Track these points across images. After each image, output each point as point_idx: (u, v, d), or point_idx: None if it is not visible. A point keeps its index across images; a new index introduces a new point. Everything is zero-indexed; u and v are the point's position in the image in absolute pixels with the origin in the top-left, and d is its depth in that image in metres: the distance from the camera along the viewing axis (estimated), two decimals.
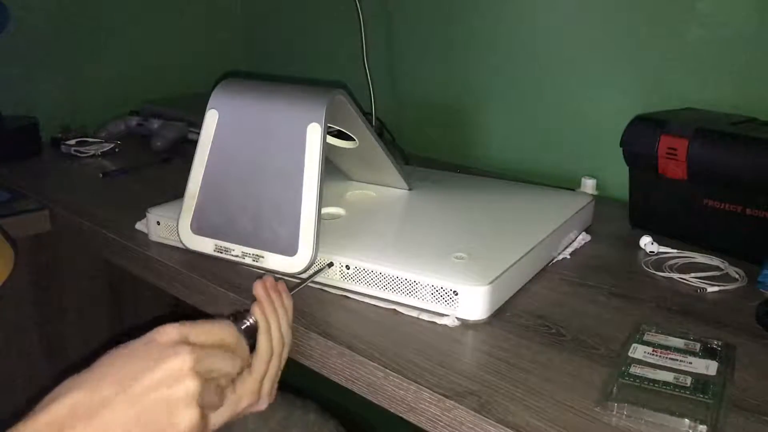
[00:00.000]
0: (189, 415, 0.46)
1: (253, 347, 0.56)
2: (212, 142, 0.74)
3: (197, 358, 0.47)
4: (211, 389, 0.49)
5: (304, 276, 0.68)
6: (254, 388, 0.55)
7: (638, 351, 0.59)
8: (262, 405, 0.57)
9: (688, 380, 0.54)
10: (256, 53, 1.65)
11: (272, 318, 0.57)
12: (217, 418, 0.53)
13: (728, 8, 0.93)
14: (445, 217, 0.83)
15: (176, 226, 0.76)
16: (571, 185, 1.03)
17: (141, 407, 0.45)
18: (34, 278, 1.12)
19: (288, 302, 0.59)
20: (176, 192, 0.79)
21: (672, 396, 0.52)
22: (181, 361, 0.46)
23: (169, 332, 0.48)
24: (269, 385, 0.56)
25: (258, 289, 0.58)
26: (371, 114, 1.22)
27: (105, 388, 0.45)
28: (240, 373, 0.53)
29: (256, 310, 0.56)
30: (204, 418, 0.48)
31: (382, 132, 1.25)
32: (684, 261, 0.80)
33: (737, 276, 0.75)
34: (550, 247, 0.78)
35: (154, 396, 0.45)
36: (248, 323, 0.56)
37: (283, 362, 0.58)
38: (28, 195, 1.04)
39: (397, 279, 0.66)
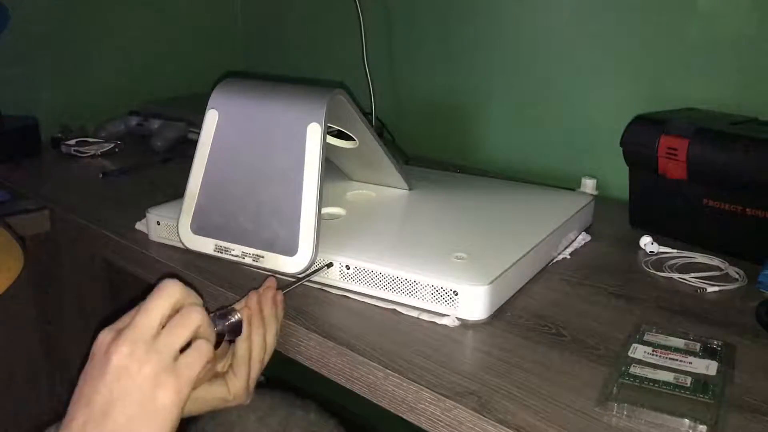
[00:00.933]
0: (165, 390, 0.46)
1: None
2: (212, 142, 0.74)
3: (133, 339, 0.46)
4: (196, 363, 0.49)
5: (302, 276, 0.69)
6: (244, 389, 0.59)
7: (638, 351, 0.59)
8: (247, 401, 0.61)
9: (688, 380, 0.54)
10: (256, 53, 1.65)
11: (257, 328, 0.59)
12: (206, 405, 0.57)
13: (728, 8, 0.93)
14: (445, 217, 0.83)
15: (176, 226, 0.76)
16: (571, 185, 1.03)
17: (114, 412, 0.44)
18: (34, 278, 1.12)
19: (280, 314, 0.63)
20: (176, 192, 0.79)
21: (672, 396, 0.52)
22: (123, 353, 0.45)
23: (102, 337, 0.48)
24: (252, 384, 0.60)
25: (252, 300, 0.60)
26: (371, 114, 1.22)
27: (76, 416, 0.45)
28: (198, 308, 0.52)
29: (244, 315, 0.58)
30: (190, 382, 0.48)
31: (382, 132, 1.25)
32: (684, 261, 0.80)
33: (737, 276, 0.75)
34: (550, 247, 0.78)
35: (117, 394, 0.45)
36: (231, 320, 0.58)
37: (264, 365, 0.61)
38: (28, 195, 1.04)
39: (397, 279, 0.66)
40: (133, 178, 1.12)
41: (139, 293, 0.54)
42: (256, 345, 0.59)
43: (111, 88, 1.44)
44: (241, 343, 0.58)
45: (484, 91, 1.22)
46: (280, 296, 0.63)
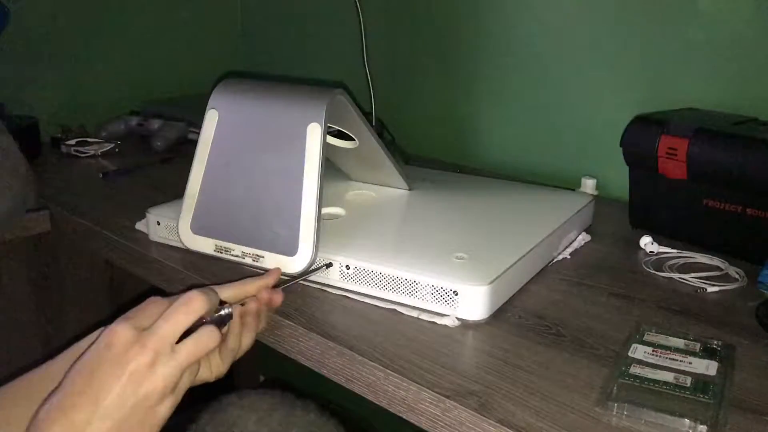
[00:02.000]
0: (165, 405, 0.49)
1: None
2: (212, 142, 0.74)
3: (156, 350, 0.48)
4: (191, 370, 0.52)
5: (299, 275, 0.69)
6: (225, 370, 0.59)
7: (638, 351, 0.59)
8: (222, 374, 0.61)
9: (688, 380, 0.54)
10: (256, 53, 1.65)
11: (249, 325, 0.60)
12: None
13: (728, 8, 0.93)
14: (445, 217, 0.83)
15: (176, 226, 0.76)
16: (571, 185, 1.03)
17: (119, 416, 0.47)
18: (34, 278, 1.12)
19: (277, 301, 0.62)
20: (176, 192, 0.79)
21: (672, 396, 0.52)
22: (143, 362, 0.47)
23: (122, 333, 0.48)
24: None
25: (251, 303, 0.60)
26: (371, 114, 1.22)
27: (80, 410, 0.46)
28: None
29: (236, 312, 0.58)
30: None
31: (382, 132, 1.25)
32: (684, 261, 0.80)
33: (737, 276, 0.75)
34: (550, 247, 0.78)
35: (128, 401, 0.47)
36: (221, 313, 0.57)
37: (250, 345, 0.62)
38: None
39: (397, 279, 0.66)
40: (133, 178, 1.12)
41: (145, 291, 0.55)
42: (246, 339, 0.60)
43: (111, 88, 1.44)
44: (233, 336, 0.59)
45: (484, 90, 1.22)
46: (279, 297, 0.62)
